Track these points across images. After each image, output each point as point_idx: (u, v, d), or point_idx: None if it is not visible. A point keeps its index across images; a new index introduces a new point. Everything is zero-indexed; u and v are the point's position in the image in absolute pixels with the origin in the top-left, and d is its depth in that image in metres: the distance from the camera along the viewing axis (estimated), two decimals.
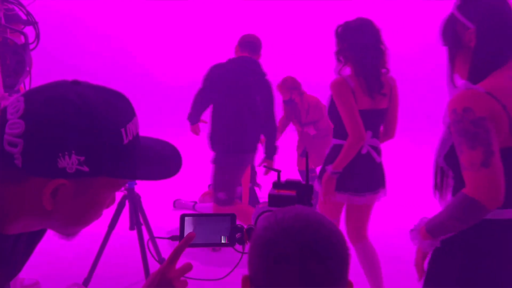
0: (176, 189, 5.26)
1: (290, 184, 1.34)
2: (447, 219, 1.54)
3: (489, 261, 1.55)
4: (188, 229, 1.40)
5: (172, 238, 1.29)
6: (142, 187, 5.57)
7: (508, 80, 1.50)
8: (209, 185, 5.36)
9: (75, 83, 0.86)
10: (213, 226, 1.41)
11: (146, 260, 2.79)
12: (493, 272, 1.55)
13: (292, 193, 1.30)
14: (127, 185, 2.82)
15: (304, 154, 5.06)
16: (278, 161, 4.67)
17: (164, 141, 1.04)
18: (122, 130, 0.85)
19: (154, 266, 3.30)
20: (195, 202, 5.03)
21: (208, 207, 4.87)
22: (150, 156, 0.95)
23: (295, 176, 5.26)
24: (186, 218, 1.41)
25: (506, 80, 1.50)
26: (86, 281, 2.99)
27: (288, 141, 5.58)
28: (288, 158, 5.61)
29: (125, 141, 0.86)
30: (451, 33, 1.61)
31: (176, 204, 5.03)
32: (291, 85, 4.78)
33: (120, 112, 0.87)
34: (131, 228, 2.85)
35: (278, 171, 1.38)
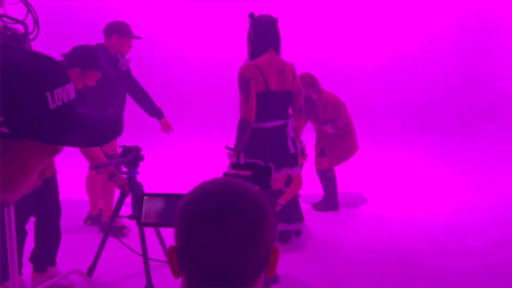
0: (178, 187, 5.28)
1: (248, 165, 1.32)
2: (239, 134, 2.91)
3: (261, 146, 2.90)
4: (147, 209, 1.40)
5: (130, 217, 1.30)
6: (148, 179, 5.66)
7: (266, 59, 2.95)
8: None
9: (5, 46, 0.87)
10: (172, 206, 1.40)
11: (145, 250, 2.81)
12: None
13: (247, 173, 1.27)
14: (129, 174, 2.87)
15: (322, 153, 4.99)
16: None
17: (110, 116, 1.05)
18: (48, 94, 0.85)
19: (155, 254, 3.32)
20: None
21: None
22: (83, 126, 0.95)
23: (313, 175, 5.19)
24: (146, 198, 1.41)
25: (265, 59, 2.96)
26: (90, 270, 3.05)
27: (306, 140, 5.52)
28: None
29: (52, 106, 0.86)
30: (247, 34, 3.08)
31: None
32: (308, 82, 4.71)
33: (48, 76, 0.87)
34: (132, 217, 2.88)
35: (238, 152, 1.36)
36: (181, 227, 0.87)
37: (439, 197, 5.39)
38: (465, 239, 4.12)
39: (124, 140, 4.40)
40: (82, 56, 2.99)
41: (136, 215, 1.26)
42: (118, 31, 3.85)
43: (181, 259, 0.87)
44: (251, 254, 0.86)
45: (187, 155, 6.79)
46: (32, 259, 3.05)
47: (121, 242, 1.41)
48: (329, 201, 4.98)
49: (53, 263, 3.07)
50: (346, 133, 4.90)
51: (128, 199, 2.94)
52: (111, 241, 3.18)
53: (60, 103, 0.87)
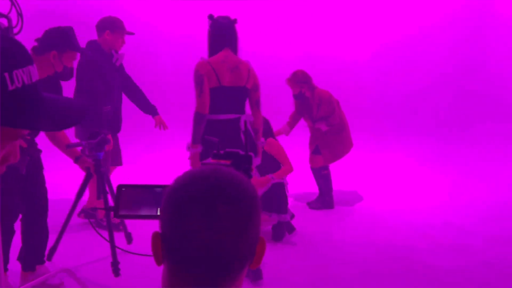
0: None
1: (228, 155, 1.28)
2: (194, 125, 3.18)
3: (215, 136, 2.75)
4: (124, 200, 1.36)
5: (108, 208, 1.27)
6: (145, 176, 5.59)
7: (220, 56, 3.19)
8: None
9: None
10: (151, 198, 1.36)
11: (112, 233, 2.81)
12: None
13: (227, 162, 1.24)
14: (95, 156, 2.91)
15: (316, 151, 4.95)
16: (290, 159, 4.59)
17: (79, 102, 1.02)
18: (6, 74, 0.82)
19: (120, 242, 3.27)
20: None
21: None
22: (46, 109, 0.92)
23: (308, 173, 5.16)
24: (123, 189, 1.37)
25: (218, 56, 3.20)
26: (50, 253, 3.03)
27: (300, 138, 5.49)
28: (300, 156, 5.53)
29: (10, 87, 0.82)
30: (207, 34, 3.30)
31: None
32: (301, 79, 4.68)
33: (7, 57, 0.83)
34: (98, 197, 2.89)
35: (217, 140, 1.32)
36: (169, 211, 0.84)
37: (435, 195, 5.36)
38: (461, 236, 4.08)
39: (124, 138, 4.41)
40: (55, 38, 2.94)
41: (113, 207, 1.22)
42: (111, 26, 3.82)
43: (166, 245, 0.84)
44: (239, 243, 0.83)
45: (183, 153, 6.74)
46: (20, 258, 3.00)
47: (97, 232, 1.39)
48: (324, 199, 4.95)
49: (41, 261, 3.02)
50: (340, 131, 4.86)
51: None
52: (101, 241, 3.13)
53: (20, 84, 0.84)
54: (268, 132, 4.29)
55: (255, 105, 3.33)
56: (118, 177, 4.12)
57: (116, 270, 2.90)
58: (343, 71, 7.48)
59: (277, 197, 4.00)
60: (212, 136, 2.89)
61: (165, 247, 0.85)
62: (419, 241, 3.96)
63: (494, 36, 7.37)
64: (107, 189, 2.98)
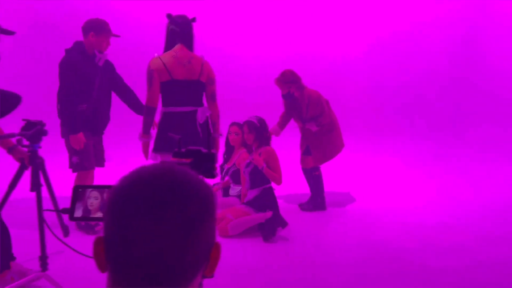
0: None
1: (190, 153, 1.21)
2: (144, 117, 3.46)
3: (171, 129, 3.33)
4: (80, 202, 1.29)
5: (63, 211, 1.19)
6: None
7: (172, 52, 3.43)
8: (214, 184, 5.25)
9: None
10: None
11: (42, 229, 2.73)
12: None
13: (186, 161, 1.17)
14: (31, 147, 2.84)
15: (307, 152, 4.88)
16: (281, 160, 4.52)
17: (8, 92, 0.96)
18: None
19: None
20: None
21: None
22: None
23: (299, 175, 5.09)
24: (80, 190, 1.31)
25: (170, 52, 3.43)
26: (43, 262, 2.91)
27: (291, 138, 5.42)
28: (291, 157, 5.45)
29: None
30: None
31: None
32: (289, 79, 4.61)
33: None
34: (32, 189, 2.82)
35: (179, 138, 1.25)
36: (112, 214, 0.77)
37: (427, 195, 5.29)
38: (454, 236, 4.01)
39: (114, 139, 4.32)
40: None
41: (68, 209, 1.14)
42: (96, 28, 3.83)
43: (109, 251, 0.77)
44: (188, 250, 0.76)
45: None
46: None
47: (57, 238, 1.34)
48: (316, 201, 4.87)
49: (12, 257, 2.98)
50: (330, 131, 4.79)
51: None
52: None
53: None
54: (266, 138, 4.25)
55: (211, 98, 3.51)
56: (104, 178, 4.03)
57: (44, 265, 2.82)
58: (335, 70, 7.43)
59: (264, 198, 4.09)
60: (170, 128, 3.27)
61: (108, 254, 0.77)
62: (412, 242, 3.89)
63: (491, 35, 7.31)
64: (43, 181, 2.91)
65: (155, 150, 3.46)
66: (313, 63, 7.25)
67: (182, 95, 3.41)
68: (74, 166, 3.86)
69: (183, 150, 1.21)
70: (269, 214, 3.99)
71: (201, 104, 3.48)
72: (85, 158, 3.85)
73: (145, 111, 3.45)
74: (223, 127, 5.06)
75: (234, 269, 3.35)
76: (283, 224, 4.02)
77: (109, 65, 4.04)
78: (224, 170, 5.02)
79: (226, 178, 5.01)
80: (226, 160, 5.05)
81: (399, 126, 7.19)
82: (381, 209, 4.84)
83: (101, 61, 3.86)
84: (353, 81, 7.43)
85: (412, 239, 3.94)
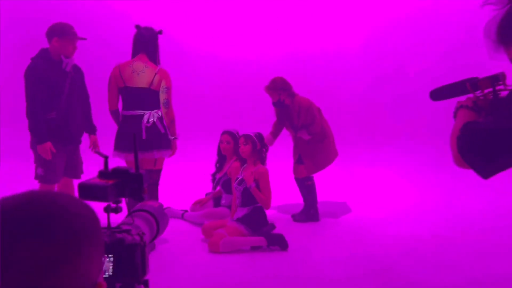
0: (168, 197, 5.02)
1: (116, 173, 1.08)
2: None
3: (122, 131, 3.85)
4: None
5: None
6: None
7: (130, 62, 3.80)
8: (206, 194, 5.12)
9: None
10: None
11: None
12: None
13: (107, 182, 1.04)
14: None
15: (300, 161, 4.73)
16: (274, 169, 4.38)
17: None
18: None
19: None
20: (185, 211, 4.80)
21: (197, 215, 4.65)
22: None
23: (292, 184, 4.94)
24: None
25: (129, 61, 3.80)
26: None
27: (284, 147, 5.27)
28: (283, 166, 5.31)
29: None
30: None
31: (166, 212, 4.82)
32: (280, 86, 4.48)
33: None
34: None
35: (105, 157, 1.12)
36: None
37: (424, 206, 5.10)
38: (449, 250, 3.83)
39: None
40: None
41: None
42: (59, 33, 3.67)
43: None
44: None
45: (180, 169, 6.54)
46: None
47: None
48: (309, 212, 4.72)
49: None
50: (322, 140, 4.64)
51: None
52: None
53: None
54: (262, 156, 4.14)
55: (163, 104, 3.82)
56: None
57: None
58: (330, 74, 7.27)
59: (255, 217, 4.03)
60: (123, 129, 3.76)
61: None
62: (407, 257, 3.71)
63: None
64: None
65: (115, 149, 3.86)
66: (308, 67, 7.11)
67: (133, 100, 3.78)
68: (38, 178, 3.74)
69: (109, 170, 1.08)
70: (263, 241, 3.88)
71: (150, 109, 3.79)
72: (50, 171, 3.70)
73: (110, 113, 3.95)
74: (215, 135, 4.95)
75: (218, 284, 3.22)
76: (284, 246, 3.90)
77: (78, 70, 3.89)
78: (216, 180, 4.91)
79: (218, 188, 4.89)
80: (218, 169, 4.92)
81: (395, 135, 7.01)
82: (375, 220, 4.67)
83: (68, 66, 3.72)
84: (348, 89, 7.27)
85: (407, 253, 3.77)
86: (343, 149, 5.18)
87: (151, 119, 3.76)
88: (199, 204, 4.89)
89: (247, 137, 4.14)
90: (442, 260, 3.62)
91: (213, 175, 4.98)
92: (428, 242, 4.02)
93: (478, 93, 1.58)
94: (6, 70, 6.50)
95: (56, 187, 3.84)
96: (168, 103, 3.82)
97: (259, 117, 5.83)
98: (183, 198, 5.19)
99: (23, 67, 3.70)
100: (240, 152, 4.23)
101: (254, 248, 3.86)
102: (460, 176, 5.87)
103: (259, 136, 4.17)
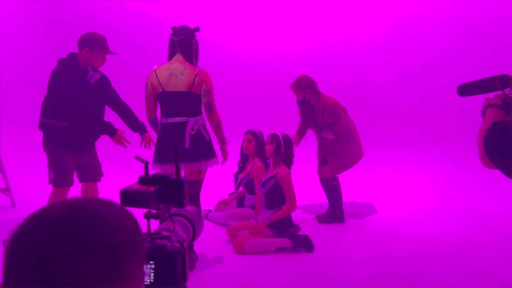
0: None
1: (156, 179, 1.07)
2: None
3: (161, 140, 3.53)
4: None
5: None
6: None
7: (167, 64, 3.48)
8: (230, 194, 5.12)
9: None
10: None
11: None
12: None
13: (149, 188, 1.02)
14: None
15: (324, 161, 4.68)
16: (299, 169, 4.34)
17: None
18: None
19: None
20: (209, 211, 4.81)
21: (222, 216, 4.64)
22: None
23: (317, 185, 4.90)
24: None
25: (166, 65, 3.48)
26: None
27: (308, 146, 5.23)
28: (309, 166, 5.27)
29: None
30: None
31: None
32: (305, 84, 4.44)
33: None
34: None
35: (146, 163, 1.11)
36: (5, 262, 0.65)
37: (451, 207, 5.01)
38: (479, 256, 3.71)
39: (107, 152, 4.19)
40: None
41: None
42: (91, 44, 3.58)
43: None
44: None
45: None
46: None
47: None
48: (334, 213, 4.67)
49: None
50: (347, 139, 4.59)
51: None
52: None
53: None
54: (288, 157, 4.11)
55: (207, 109, 3.51)
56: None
57: None
58: (354, 75, 7.19)
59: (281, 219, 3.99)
60: (164, 138, 3.43)
61: None
62: (431, 258, 3.64)
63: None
64: None
65: (154, 160, 3.54)
66: (330, 67, 7.04)
67: (174, 106, 3.46)
68: (51, 182, 3.66)
69: (150, 175, 1.07)
70: (288, 242, 3.86)
71: (194, 115, 3.47)
72: (61, 174, 3.63)
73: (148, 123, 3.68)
74: (239, 135, 4.92)
75: (243, 285, 3.21)
76: (306, 245, 3.86)
77: (103, 82, 3.78)
78: (239, 180, 4.88)
79: (241, 188, 4.87)
80: (241, 169, 4.90)
81: (422, 134, 6.89)
82: (401, 221, 4.60)
83: (92, 79, 3.64)
84: (375, 87, 7.18)
85: (433, 255, 3.70)
86: (368, 149, 5.11)
87: (196, 126, 3.45)
88: (223, 204, 4.89)
89: (273, 136, 4.12)
90: (470, 263, 3.53)
91: (236, 175, 4.97)
92: (454, 245, 3.93)
93: (507, 90, 1.54)
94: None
95: (70, 191, 3.78)
96: (211, 106, 3.50)
97: (285, 117, 5.80)
98: (207, 198, 5.19)
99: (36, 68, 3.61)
100: (266, 150, 4.20)
101: (279, 250, 3.85)
102: (488, 176, 5.77)
103: (286, 138, 4.11)
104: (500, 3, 7.01)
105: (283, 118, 5.94)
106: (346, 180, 4.96)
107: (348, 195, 4.95)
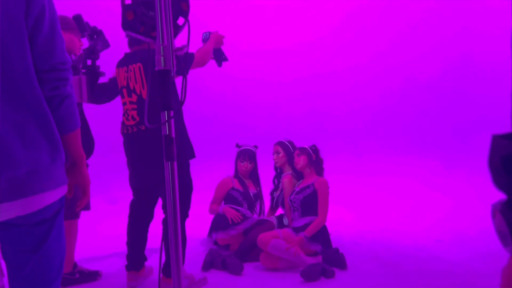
0: None
1: None
2: None
3: None
4: None
5: None
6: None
7: None
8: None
9: None
10: None
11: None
12: None
13: None
14: None
15: None
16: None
17: None
18: None
19: None
20: None
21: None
22: None
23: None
24: None
25: None
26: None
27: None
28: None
29: None
30: None
31: None
32: None
33: None
34: None
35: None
36: None
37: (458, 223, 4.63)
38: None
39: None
40: None
41: None
42: (62, 26, 3.35)
43: None
44: None
45: None
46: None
47: None
48: None
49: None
50: None
51: None
52: None
53: None
54: (320, 167, 4.00)
55: None
56: None
57: None
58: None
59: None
60: None
61: None
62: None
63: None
64: None
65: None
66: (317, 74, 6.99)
67: None
68: None
69: None
70: (317, 259, 3.62)
71: None
72: None
73: None
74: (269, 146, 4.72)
75: None
76: (327, 273, 3.43)
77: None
78: (275, 199, 4.59)
79: (279, 208, 4.58)
80: (276, 187, 4.64)
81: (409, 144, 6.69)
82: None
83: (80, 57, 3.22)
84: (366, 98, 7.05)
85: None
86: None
87: None
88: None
89: (301, 149, 4.05)
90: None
91: (272, 194, 4.70)
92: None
93: None
94: None
95: None
96: None
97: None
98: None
99: None
100: (294, 165, 4.06)
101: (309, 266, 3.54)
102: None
103: (314, 148, 4.05)
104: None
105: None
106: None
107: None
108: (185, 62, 3.06)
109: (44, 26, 1.43)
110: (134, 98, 3.16)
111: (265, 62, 7.44)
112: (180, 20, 1.78)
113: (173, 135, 1.74)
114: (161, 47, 1.66)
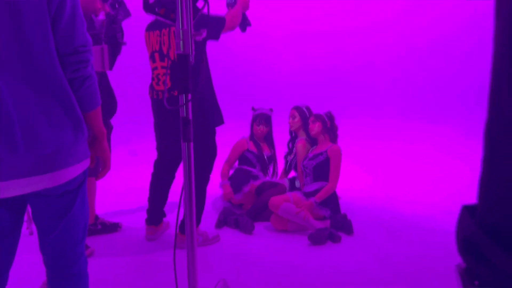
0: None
1: None
2: None
3: None
4: None
5: None
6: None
7: None
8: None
9: None
10: None
11: None
12: None
13: None
14: None
15: None
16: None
17: None
18: None
19: None
20: None
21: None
22: None
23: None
24: None
25: None
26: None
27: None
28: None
29: None
30: None
31: None
32: None
33: None
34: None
35: None
36: None
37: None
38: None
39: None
40: None
41: None
42: None
43: None
44: None
45: None
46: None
47: None
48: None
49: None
50: None
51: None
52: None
53: None
54: (334, 134, 4.05)
55: None
56: None
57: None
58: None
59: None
60: None
61: None
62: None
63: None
64: None
65: None
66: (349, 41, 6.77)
67: None
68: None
69: None
70: (325, 224, 3.78)
71: None
72: None
73: None
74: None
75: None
76: (334, 237, 3.59)
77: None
78: (289, 162, 4.72)
79: (292, 171, 4.73)
80: (290, 150, 4.76)
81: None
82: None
83: (102, 27, 3.14)
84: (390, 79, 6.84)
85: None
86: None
87: None
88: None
89: (316, 116, 4.10)
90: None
91: (286, 157, 4.82)
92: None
93: None
94: None
95: None
96: None
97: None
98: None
99: None
100: (309, 131, 4.13)
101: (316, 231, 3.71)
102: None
103: (330, 115, 4.08)
104: None
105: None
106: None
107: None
108: (217, 26, 3.08)
109: (66, 11, 1.47)
110: (167, 63, 3.16)
111: (285, 30, 7.35)
112: (200, 3, 1.83)
113: (190, 117, 1.82)
114: (181, 31, 1.73)
